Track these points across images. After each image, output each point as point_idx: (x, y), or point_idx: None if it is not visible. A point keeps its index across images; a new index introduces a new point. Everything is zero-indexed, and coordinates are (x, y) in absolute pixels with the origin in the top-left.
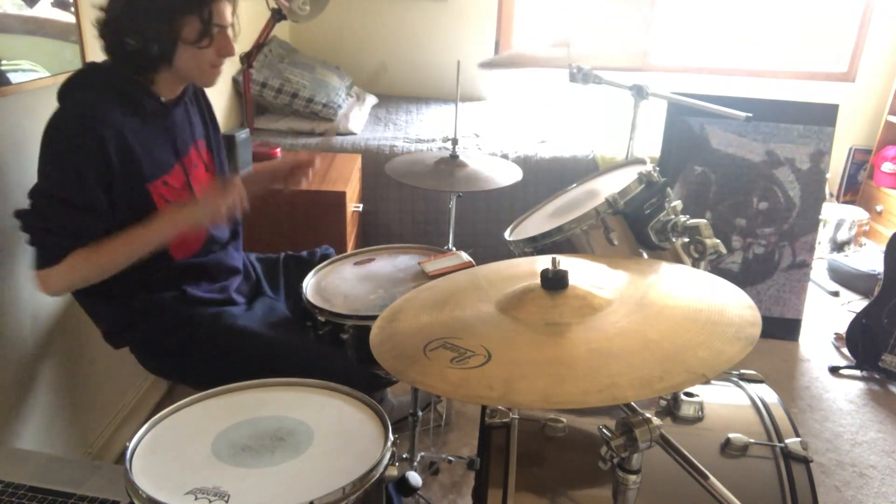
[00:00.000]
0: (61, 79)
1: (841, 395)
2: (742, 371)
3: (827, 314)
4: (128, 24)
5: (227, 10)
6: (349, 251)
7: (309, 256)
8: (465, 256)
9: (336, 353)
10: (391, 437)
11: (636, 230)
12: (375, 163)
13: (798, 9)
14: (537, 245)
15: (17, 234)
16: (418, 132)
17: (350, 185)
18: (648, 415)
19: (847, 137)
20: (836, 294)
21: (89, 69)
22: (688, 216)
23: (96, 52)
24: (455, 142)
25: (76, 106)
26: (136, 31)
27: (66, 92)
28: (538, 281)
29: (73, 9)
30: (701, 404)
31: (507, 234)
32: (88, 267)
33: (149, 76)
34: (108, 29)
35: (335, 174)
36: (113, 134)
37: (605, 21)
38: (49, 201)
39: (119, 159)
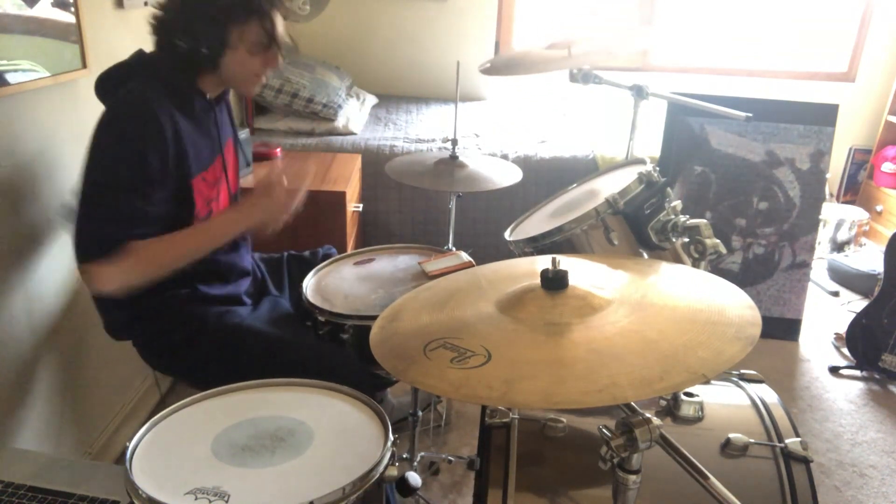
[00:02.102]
0: (61, 79)
1: (841, 395)
2: (742, 371)
3: (827, 314)
4: (180, 24)
5: (280, 22)
6: (349, 251)
7: (311, 256)
8: (465, 256)
9: (339, 352)
10: (391, 437)
11: (636, 230)
12: (375, 163)
13: (798, 9)
14: (537, 245)
15: (15, 234)
16: (418, 132)
17: (350, 185)
18: (648, 415)
19: (847, 137)
20: (836, 294)
21: (137, 61)
22: (688, 216)
23: (96, 52)
24: (455, 142)
25: (136, 94)
26: (188, 32)
27: (116, 82)
28: (538, 281)
29: (73, 9)
30: (701, 404)
31: (507, 235)
32: (148, 261)
33: (194, 75)
34: (163, 27)
35: (335, 174)
36: (169, 125)
37: (605, 21)
38: (106, 189)
39: (174, 152)
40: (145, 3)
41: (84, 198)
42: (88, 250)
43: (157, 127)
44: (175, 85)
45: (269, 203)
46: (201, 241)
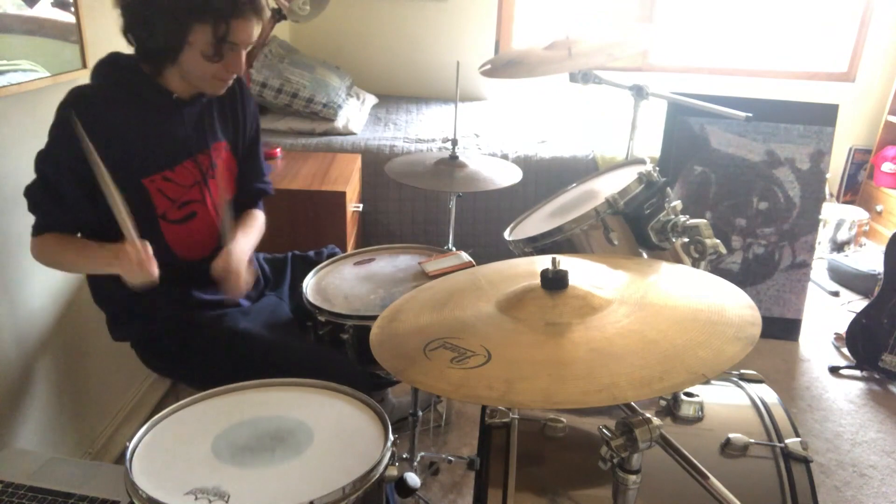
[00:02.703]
0: (61, 79)
1: (841, 395)
2: (742, 371)
3: (827, 314)
4: (139, 13)
5: (249, 28)
6: (349, 251)
7: (316, 256)
8: (465, 256)
9: (337, 355)
10: (391, 437)
11: (636, 230)
12: (375, 163)
13: (798, 9)
14: (537, 245)
15: (13, 234)
16: (418, 132)
17: (350, 185)
18: (648, 415)
19: (847, 137)
20: (836, 294)
21: (108, 60)
22: (688, 216)
23: (97, 52)
24: (455, 142)
25: (73, 94)
26: (145, 22)
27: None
28: (538, 281)
29: (73, 9)
30: (701, 404)
31: (506, 234)
32: (52, 255)
33: (156, 69)
34: (124, 14)
35: (335, 174)
36: (106, 125)
37: (605, 21)
38: (36, 177)
39: (110, 151)
40: None
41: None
42: (33, 225)
43: (80, 128)
44: (132, 82)
45: (126, 262)
46: (86, 261)
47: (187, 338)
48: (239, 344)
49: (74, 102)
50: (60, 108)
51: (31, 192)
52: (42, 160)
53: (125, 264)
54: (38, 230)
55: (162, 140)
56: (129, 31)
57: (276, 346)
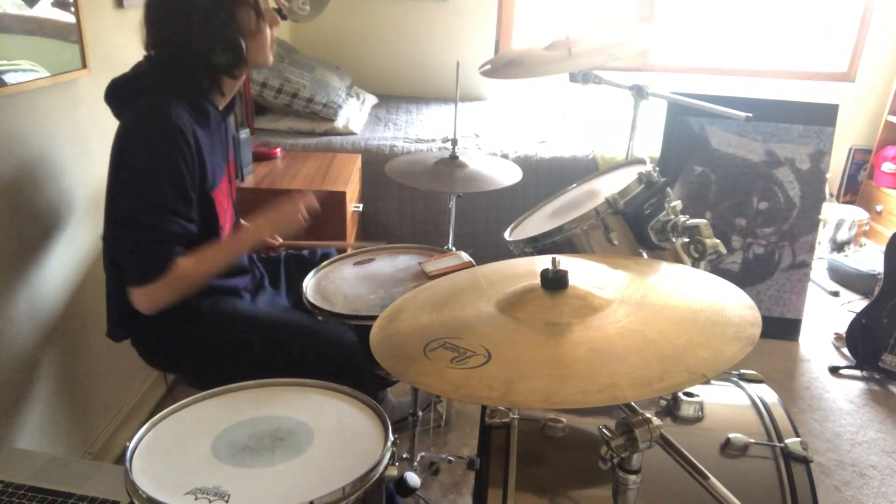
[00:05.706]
0: (61, 79)
1: (841, 395)
2: (742, 371)
3: (827, 314)
4: (204, 48)
5: None
6: (349, 251)
7: (310, 255)
8: (465, 256)
9: (338, 329)
10: (391, 437)
11: (636, 230)
12: (375, 163)
13: (798, 9)
14: (537, 245)
15: (15, 235)
16: (418, 132)
17: (350, 185)
18: (648, 415)
19: (847, 137)
20: (836, 294)
21: (150, 71)
22: (688, 216)
23: (96, 52)
24: (455, 142)
25: (158, 107)
26: (215, 48)
27: (131, 93)
28: (538, 281)
29: (73, 9)
30: (701, 404)
31: (506, 235)
32: (189, 279)
33: (221, 84)
34: (178, 54)
35: (335, 174)
36: (191, 138)
37: (606, 21)
38: (149, 212)
39: (197, 164)
40: None
41: (127, 221)
42: (141, 274)
43: (184, 139)
44: (192, 97)
45: (278, 217)
46: (227, 255)
47: (188, 323)
48: (239, 325)
49: (166, 114)
50: (155, 124)
51: (147, 233)
52: (151, 190)
53: (281, 218)
54: (166, 264)
55: (216, 153)
56: (197, 65)
57: (276, 324)
